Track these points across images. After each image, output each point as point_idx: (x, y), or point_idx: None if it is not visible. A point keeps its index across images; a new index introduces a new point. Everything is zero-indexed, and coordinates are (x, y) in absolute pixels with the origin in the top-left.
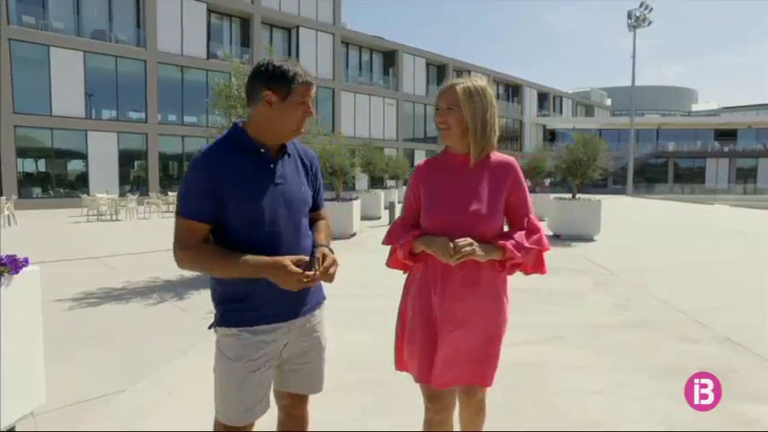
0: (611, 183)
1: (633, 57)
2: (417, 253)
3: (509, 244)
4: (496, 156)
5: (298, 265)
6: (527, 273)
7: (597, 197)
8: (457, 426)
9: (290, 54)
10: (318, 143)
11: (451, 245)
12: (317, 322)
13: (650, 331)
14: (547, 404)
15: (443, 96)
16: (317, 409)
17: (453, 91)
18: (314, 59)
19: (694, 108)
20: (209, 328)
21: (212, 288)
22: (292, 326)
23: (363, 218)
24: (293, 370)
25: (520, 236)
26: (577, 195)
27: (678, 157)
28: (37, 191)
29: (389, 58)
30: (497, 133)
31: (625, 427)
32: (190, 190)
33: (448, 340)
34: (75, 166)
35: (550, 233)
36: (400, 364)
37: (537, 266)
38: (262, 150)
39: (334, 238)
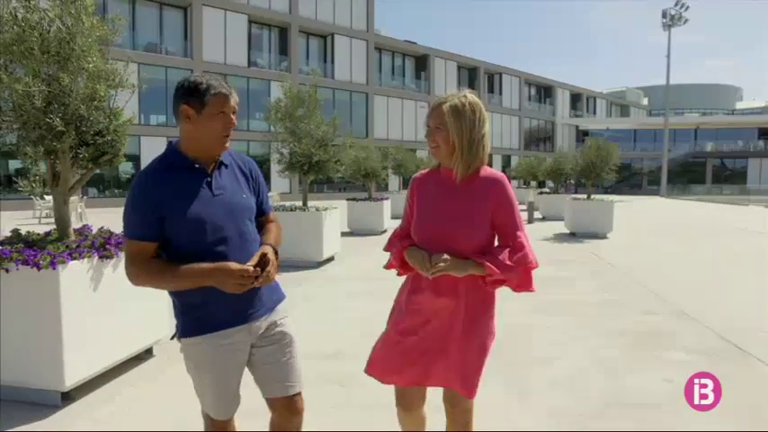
0: (646, 184)
1: (668, 56)
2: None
3: (488, 261)
4: (486, 171)
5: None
6: (514, 290)
7: (610, 197)
8: (433, 426)
9: (325, 60)
10: (347, 148)
11: (429, 259)
12: (279, 321)
13: (619, 306)
14: (521, 346)
15: (432, 116)
16: (353, 345)
17: (440, 110)
18: (348, 65)
19: (738, 106)
20: (172, 338)
21: (172, 303)
22: (252, 328)
23: (393, 216)
24: (267, 371)
25: (502, 253)
26: (592, 196)
27: (717, 157)
28: (93, 191)
29: (421, 63)
30: (487, 149)
31: (564, 360)
32: (133, 211)
33: (418, 342)
34: (126, 168)
35: (567, 231)
36: (368, 366)
37: (523, 284)
38: (196, 165)
39: (368, 234)
